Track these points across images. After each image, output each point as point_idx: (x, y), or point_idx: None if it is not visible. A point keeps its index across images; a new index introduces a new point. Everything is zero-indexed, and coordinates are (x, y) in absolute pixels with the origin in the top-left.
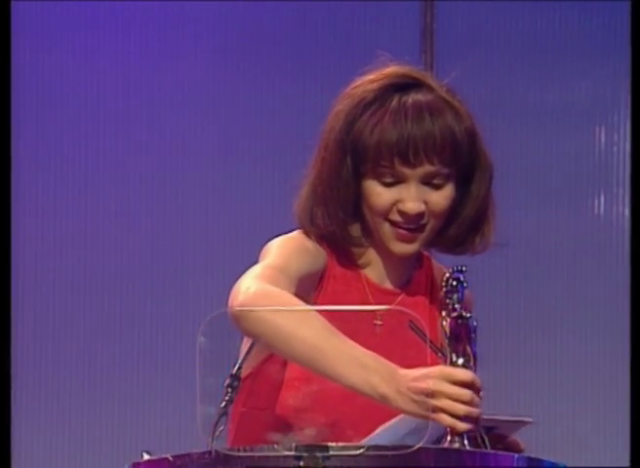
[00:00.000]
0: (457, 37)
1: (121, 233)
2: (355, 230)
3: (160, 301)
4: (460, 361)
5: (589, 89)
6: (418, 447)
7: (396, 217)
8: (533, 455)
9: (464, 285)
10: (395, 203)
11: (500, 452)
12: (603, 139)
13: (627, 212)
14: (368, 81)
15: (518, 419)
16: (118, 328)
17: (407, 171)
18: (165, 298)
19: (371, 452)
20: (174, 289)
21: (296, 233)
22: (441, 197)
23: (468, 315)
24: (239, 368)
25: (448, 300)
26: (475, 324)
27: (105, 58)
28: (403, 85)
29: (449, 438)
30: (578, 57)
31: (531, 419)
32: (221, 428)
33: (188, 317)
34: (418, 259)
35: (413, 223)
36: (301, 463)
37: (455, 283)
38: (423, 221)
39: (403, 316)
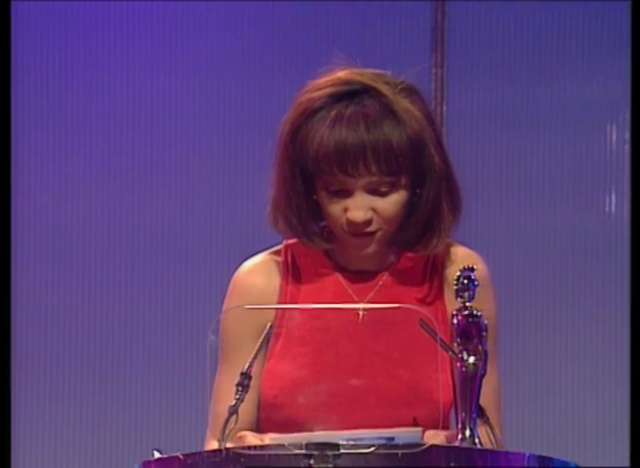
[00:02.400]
0: (467, 36)
1: (124, 233)
2: (318, 232)
3: (168, 299)
4: (472, 359)
5: (600, 87)
6: (429, 445)
7: (348, 227)
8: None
9: (476, 283)
10: (345, 211)
11: (512, 451)
12: (614, 138)
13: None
14: (315, 87)
15: (411, 429)
16: (127, 325)
17: (349, 180)
18: (172, 296)
19: (381, 451)
20: (180, 287)
21: (234, 283)
22: (388, 204)
23: (479, 313)
24: (250, 366)
25: (459, 299)
26: (486, 322)
27: (106, 57)
28: (348, 92)
29: (460, 436)
30: (589, 55)
31: (420, 428)
32: (232, 427)
33: (198, 315)
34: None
35: (360, 231)
36: (312, 461)
37: (466, 281)
38: (372, 228)
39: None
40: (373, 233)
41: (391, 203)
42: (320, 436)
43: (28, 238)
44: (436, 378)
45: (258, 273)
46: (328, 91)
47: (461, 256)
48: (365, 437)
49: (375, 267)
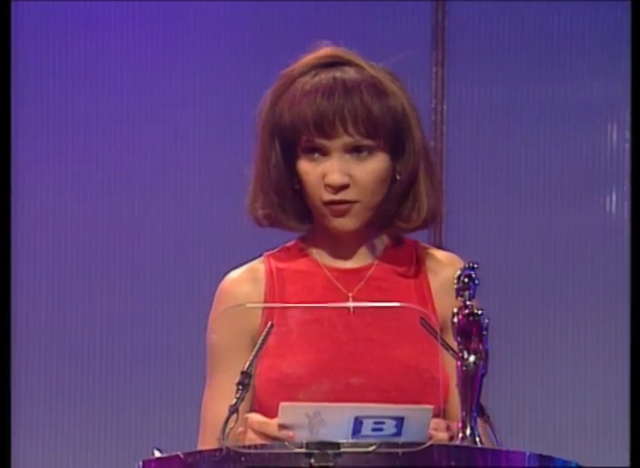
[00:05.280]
0: (468, 35)
1: (124, 233)
2: (296, 212)
3: (168, 298)
4: (472, 358)
5: (600, 87)
6: (429, 444)
7: (326, 196)
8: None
9: (476, 282)
10: (322, 178)
11: (512, 450)
12: (615, 137)
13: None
14: (297, 63)
15: (421, 407)
16: (127, 325)
17: (326, 142)
18: (172, 296)
19: (382, 450)
20: (180, 287)
21: (219, 292)
22: (365, 172)
23: (480, 312)
24: (250, 365)
25: (459, 297)
26: (487, 321)
27: (106, 57)
28: (327, 63)
29: (460, 435)
30: (589, 55)
31: (431, 406)
32: (232, 425)
33: (199, 315)
34: (390, 237)
35: (338, 196)
36: (312, 460)
37: (466, 280)
38: (350, 196)
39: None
40: (350, 202)
41: (369, 171)
42: (332, 407)
43: (28, 238)
44: (435, 360)
45: (243, 281)
46: (309, 62)
47: (444, 255)
48: (376, 414)
49: (359, 261)
